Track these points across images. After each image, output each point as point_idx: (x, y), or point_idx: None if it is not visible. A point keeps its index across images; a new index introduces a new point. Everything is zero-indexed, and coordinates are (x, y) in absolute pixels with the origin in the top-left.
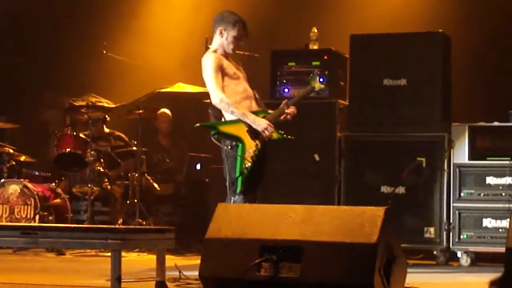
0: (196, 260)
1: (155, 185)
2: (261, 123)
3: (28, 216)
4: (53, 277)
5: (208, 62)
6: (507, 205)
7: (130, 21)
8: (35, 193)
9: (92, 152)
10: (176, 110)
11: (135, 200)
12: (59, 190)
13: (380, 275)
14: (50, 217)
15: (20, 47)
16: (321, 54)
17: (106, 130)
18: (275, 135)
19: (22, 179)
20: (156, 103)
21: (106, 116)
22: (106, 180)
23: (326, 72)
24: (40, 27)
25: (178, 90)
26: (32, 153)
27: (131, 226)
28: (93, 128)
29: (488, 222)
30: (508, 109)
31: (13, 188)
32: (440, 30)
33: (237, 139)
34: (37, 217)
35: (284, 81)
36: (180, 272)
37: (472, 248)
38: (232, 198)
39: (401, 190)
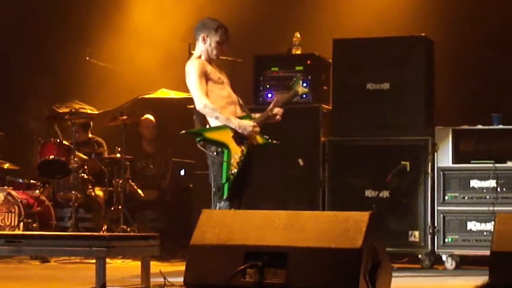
0: (181, 266)
1: (139, 191)
2: (246, 126)
3: (12, 224)
4: (37, 285)
5: (192, 68)
6: (491, 208)
7: (113, 23)
8: (19, 200)
9: (75, 159)
10: (160, 116)
11: (119, 207)
12: (43, 197)
13: (365, 280)
14: (34, 224)
15: (2, 54)
16: (304, 59)
17: (90, 135)
18: (260, 140)
19: (5, 187)
20: (139, 109)
21: (90, 122)
22: (90, 186)
23: (309, 77)
24: (23, 35)
25: (162, 96)
26: (16, 160)
27: (115, 233)
28: (76, 135)
29: (472, 225)
30: (491, 112)
31: None
32: (423, 34)
33: (223, 145)
34: (21, 224)
35: (268, 86)
36: (165, 278)
37: (457, 252)
38: (218, 204)
39: (385, 194)
